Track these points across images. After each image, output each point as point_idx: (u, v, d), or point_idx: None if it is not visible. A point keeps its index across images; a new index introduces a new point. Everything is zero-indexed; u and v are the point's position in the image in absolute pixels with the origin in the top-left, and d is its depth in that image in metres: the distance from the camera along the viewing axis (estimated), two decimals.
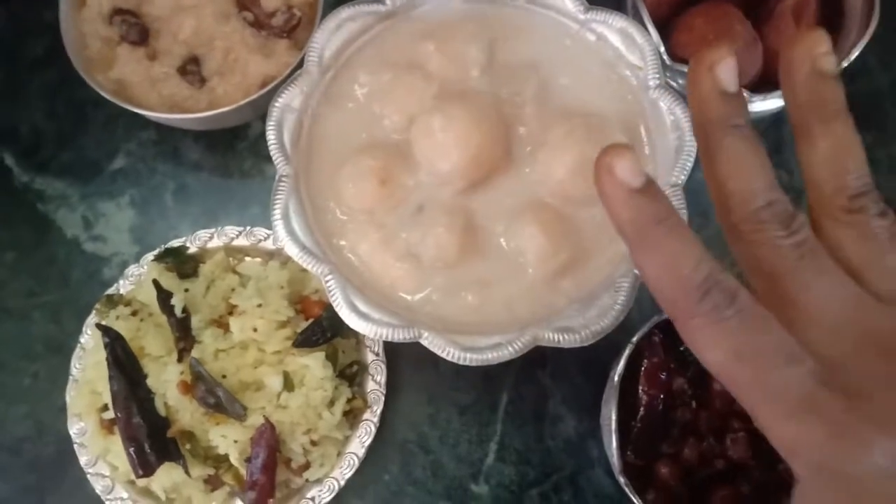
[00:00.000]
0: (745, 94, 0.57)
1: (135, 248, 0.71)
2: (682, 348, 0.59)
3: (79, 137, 0.74)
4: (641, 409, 0.57)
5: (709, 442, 0.57)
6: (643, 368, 0.57)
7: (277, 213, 0.54)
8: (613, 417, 0.56)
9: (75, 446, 0.62)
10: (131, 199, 0.72)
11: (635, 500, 0.54)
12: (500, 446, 0.66)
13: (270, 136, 0.56)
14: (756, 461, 0.56)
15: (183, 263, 0.65)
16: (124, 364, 0.58)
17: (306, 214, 0.56)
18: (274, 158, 0.56)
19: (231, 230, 0.67)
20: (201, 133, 0.73)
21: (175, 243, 0.67)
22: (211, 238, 0.67)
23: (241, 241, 0.67)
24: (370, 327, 0.52)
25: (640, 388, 0.57)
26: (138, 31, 0.65)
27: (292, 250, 0.54)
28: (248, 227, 0.67)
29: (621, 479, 0.55)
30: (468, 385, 0.66)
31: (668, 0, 0.61)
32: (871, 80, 0.72)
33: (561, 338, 0.51)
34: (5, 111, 0.75)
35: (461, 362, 0.51)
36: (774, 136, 0.71)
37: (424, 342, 0.52)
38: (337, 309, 0.53)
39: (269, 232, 0.67)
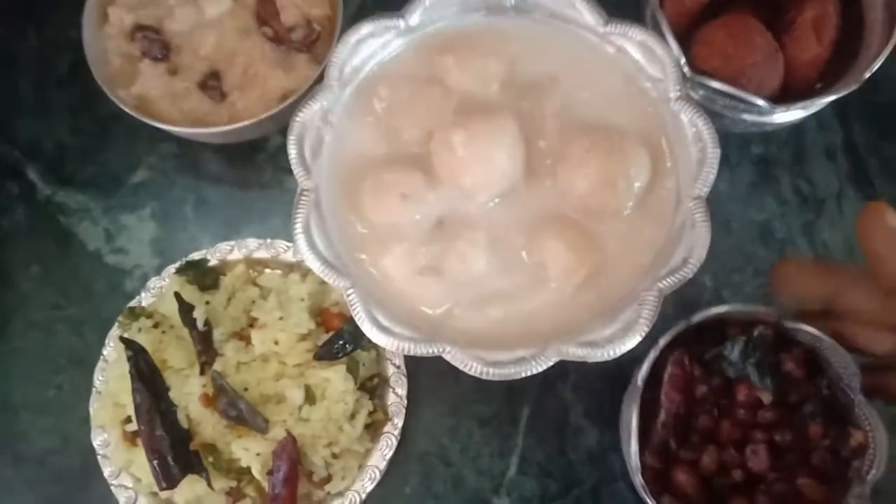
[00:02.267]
0: (767, 104, 0.57)
1: (156, 261, 0.71)
2: (706, 357, 0.59)
3: (101, 152, 0.75)
4: (662, 412, 0.57)
5: (728, 451, 0.56)
6: (667, 374, 0.57)
7: (299, 227, 0.55)
8: (634, 419, 0.55)
9: (99, 458, 0.63)
10: (152, 211, 0.73)
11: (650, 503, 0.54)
12: (521, 459, 0.65)
13: (292, 150, 0.56)
14: (775, 474, 0.56)
15: (204, 276, 0.65)
16: (147, 377, 0.59)
17: (327, 228, 0.56)
18: (295, 172, 0.56)
19: (251, 242, 0.67)
20: (221, 146, 0.74)
21: (196, 256, 0.67)
22: (231, 250, 0.67)
23: (262, 254, 0.67)
24: (392, 341, 0.52)
25: (663, 392, 0.57)
26: (160, 47, 0.66)
27: (314, 264, 0.54)
28: (268, 240, 0.67)
29: (637, 480, 0.55)
30: (489, 397, 0.66)
31: (689, 12, 0.60)
32: None
33: (585, 353, 0.51)
34: (31, 127, 0.76)
35: (484, 377, 0.51)
36: (796, 146, 0.71)
37: (447, 357, 0.52)
38: (359, 322, 0.53)
39: (289, 244, 0.67)
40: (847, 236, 0.70)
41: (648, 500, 0.54)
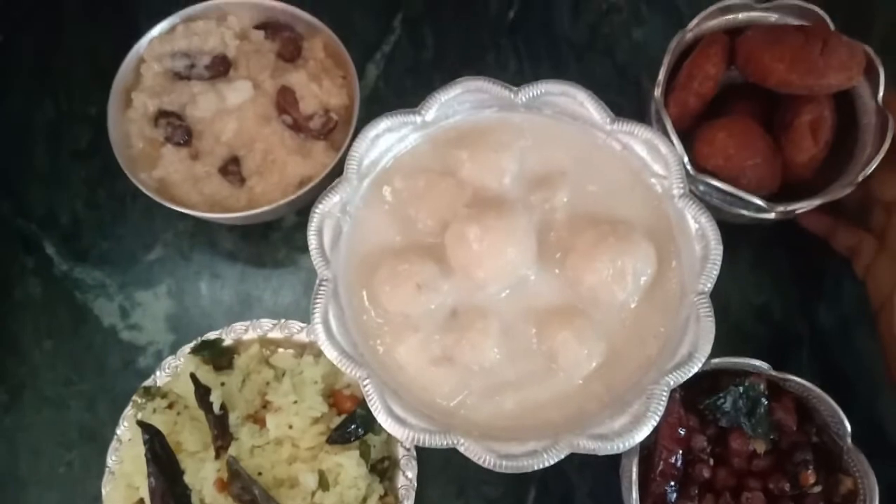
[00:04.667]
0: (766, 204, 0.60)
1: (170, 338, 0.73)
2: (701, 406, 0.60)
3: (118, 227, 0.77)
4: (660, 463, 0.58)
5: (725, 499, 0.58)
6: (663, 425, 0.58)
7: (318, 318, 0.56)
8: (634, 469, 0.57)
9: None
10: (168, 288, 0.74)
11: None
12: None
13: (312, 241, 0.58)
14: None
15: (219, 356, 0.67)
16: (163, 461, 0.60)
17: (344, 318, 0.57)
18: (315, 263, 0.58)
19: (266, 322, 0.69)
20: (236, 224, 0.76)
21: (211, 335, 0.68)
22: (246, 331, 0.68)
23: (276, 334, 0.68)
24: (408, 433, 0.53)
25: (660, 443, 0.58)
26: (182, 133, 0.68)
27: (331, 354, 0.55)
28: (282, 320, 0.69)
29: None
30: (497, 478, 0.67)
31: (691, 112, 0.63)
32: None
33: (596, 445, 0.52)
34: (47, 200, 0.78)
35: (497, 469, 0.52)
36: (793, 230, 0.73)
37: (461, 449, 0.53)
38: (374, 414, 0.54)
39: (302, 324, 0.68)
40: (844, 317, 0.72)
41: None
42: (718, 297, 0.57)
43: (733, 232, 0.73)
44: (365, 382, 0.55)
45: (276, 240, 0.76)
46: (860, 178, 0.59)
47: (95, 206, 0.78)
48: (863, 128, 0.62)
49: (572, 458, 0.68)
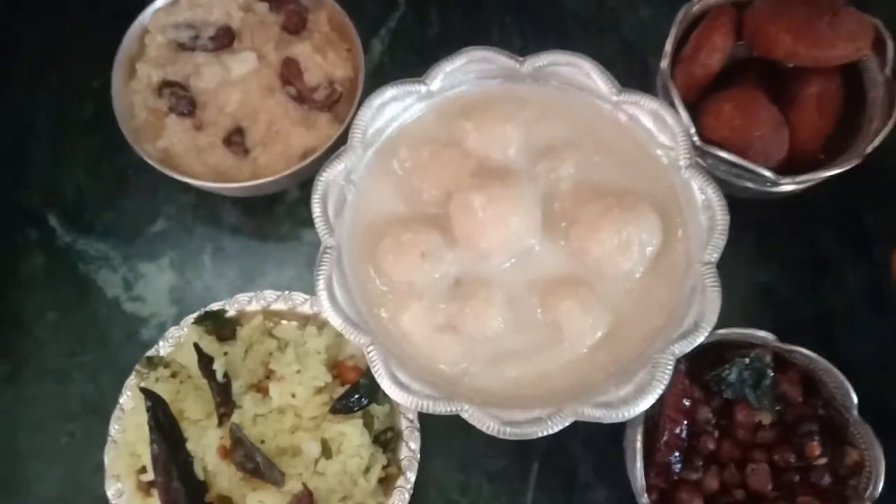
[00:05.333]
0: (773, 175, 0.59)
1: (173, 310, 0.72)
2: (706, 378, 0.60)
3: (121, 200, 0.77)
4: (665, 433, 0.58)
5: (730, 471, 0.58)
6: (668, 395, 0.58)
7: (321, 284, 0.56)
8: (639, 438, 0.57)
9: None
10: (171, 260, 0.74)
11: None
12: None
13: (316, 209, 0.58)
14: (776, 492, 0.58)
15: (222, 327, 0.66)
16: (166, 428, 0.59)
17: (348, 285, 0.57)
18: (319, 230, 0.58)
19: (270, 294, 0.68)
20: (240, 198, 0.75)
21: (214, 306, 0.68)
22: (250, 302, 0.68)
23: (279, 305, 0.68)
24: (411, 399, 0.53)
25: (665, 413, 0.58)
26: (186, 103, 0.68)
27: (335, 320, 0.55)
28: (286, 292, 0.68)
29: (644, 500, 0.56)
30: (499, 452, 0.67)
31: (698, 83, 0.63)
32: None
33: (601, 413, 0.52)
34: (52, 173, 0.78)
35: (501, 436, 0.52)
36: (799, 209, 0.73)
37: (464, 415, 0.53)
38: (378, 380, 0.54)
39: (305, 296, 0.68)
40: (849, 299, 0.72)
41: None
42: (724, 274, 0.57)
43: (740, 208, 0.73)
44: (369, 349, 0.54)
45: (279, 214, 0.76)
46: (868, 151, 0.58)
47: (99, 179, 0.78)
48: (870, 101, 0.62)
49: (576, 432, 0.68)
